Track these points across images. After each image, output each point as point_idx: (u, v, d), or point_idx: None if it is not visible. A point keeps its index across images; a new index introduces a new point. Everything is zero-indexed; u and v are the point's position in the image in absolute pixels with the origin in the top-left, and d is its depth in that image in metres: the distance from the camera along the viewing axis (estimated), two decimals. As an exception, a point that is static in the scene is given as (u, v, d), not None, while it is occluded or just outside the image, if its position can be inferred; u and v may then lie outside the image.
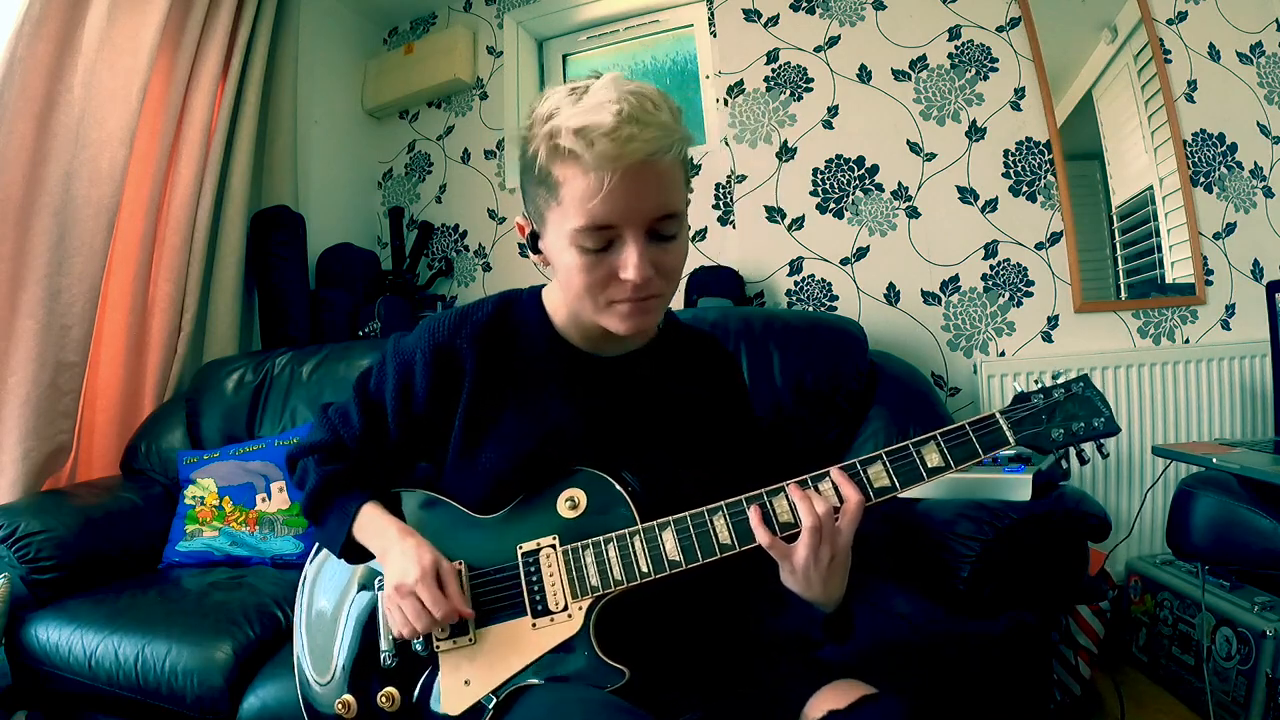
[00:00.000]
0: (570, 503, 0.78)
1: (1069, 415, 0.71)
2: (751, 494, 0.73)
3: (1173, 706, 1.48)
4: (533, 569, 0.77)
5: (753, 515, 0.71)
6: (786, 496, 0.72)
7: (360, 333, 2.15)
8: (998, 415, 0.71)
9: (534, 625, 0.75)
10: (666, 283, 0.72)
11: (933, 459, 0.71)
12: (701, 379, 0.90)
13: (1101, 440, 0.71)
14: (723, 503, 0.73)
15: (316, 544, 0.90)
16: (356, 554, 0.82)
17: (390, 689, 0.78)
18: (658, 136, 0.64)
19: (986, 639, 1.10)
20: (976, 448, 0.71)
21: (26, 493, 1.56)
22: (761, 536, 0.70)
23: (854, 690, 0.71)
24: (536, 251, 0.76)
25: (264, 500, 1.61)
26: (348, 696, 0.80)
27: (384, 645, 0.79)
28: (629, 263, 0.67)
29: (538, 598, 0.76)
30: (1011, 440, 0.71)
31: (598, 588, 0.74)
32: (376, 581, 0.83)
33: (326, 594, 0.86)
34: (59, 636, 1.26)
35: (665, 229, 0.69)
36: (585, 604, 0.75)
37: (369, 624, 0.82)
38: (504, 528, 0.80)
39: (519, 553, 0.78)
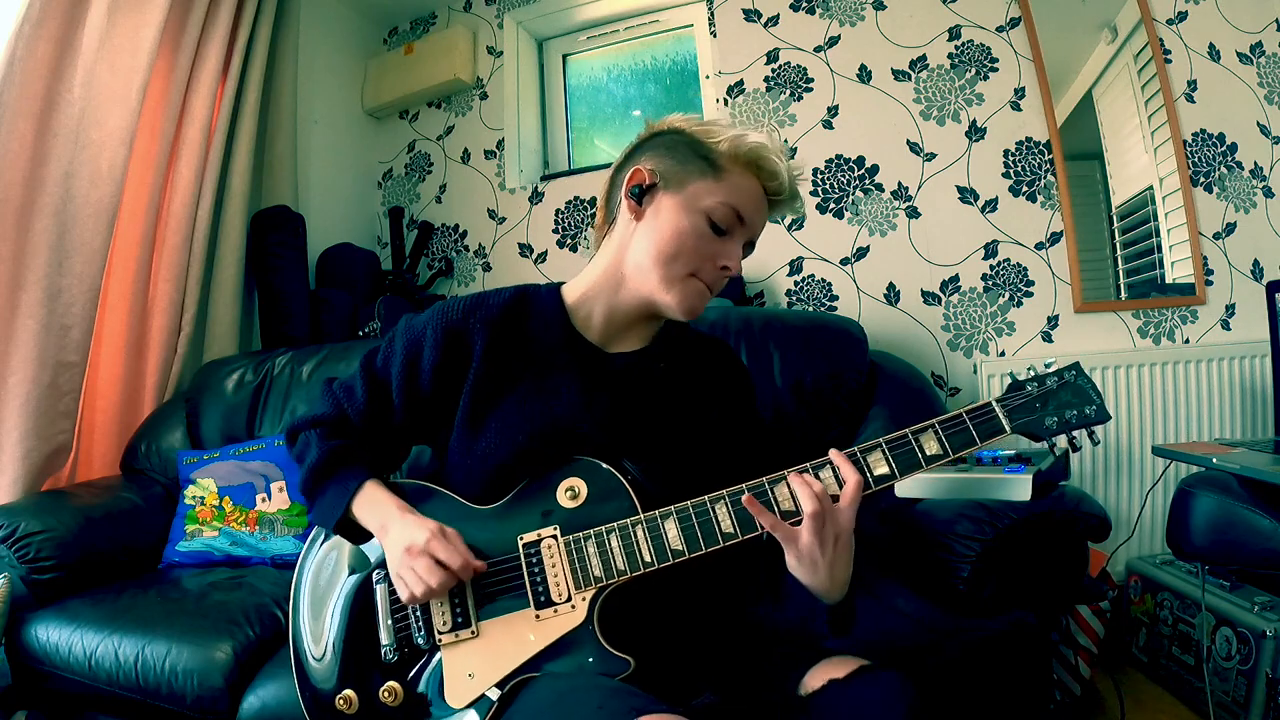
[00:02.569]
0: (570, 492, 0.78)
1: (1062, 403, 0.73)
2: (752, 483, 0.73)
3: (1173, 706, 1.48)
4: (534, 560, 0.77)
5: (748, 502, 0.71)
6: (787, 484, 0.72)
7: (360, 333, 2.15)
8: (994, 403, 0.73)
9: (537, 616, 0.75)
10: (724, 286, 0.85)
11: (931, 447, 0.72)
12: (709, 382, 0.90)
13: (1093, 427, 0.73)
14: (724, 491, 0.74)
15: (309, 536, 0.89)
16: (350, 531, 0.82)
17: (392, 683, 0.78)
18: (793, 209, 0.88)
19: (986, 639, 1.10)
20: (974, 435, 0.72)
21: (26, 493, 1.56)
22: (764, 519, 0.71)
23: (852, 662, 0.72)
24: (639, 202, 0.82)
25: (264, 500, 1.61)
26: (349, 691, 0.79)
27: (385, 640, 0.79)
28: (734, 255, 0.81)
29: (540, 589, 0.76)
30: (1007, 428, 0.72)
31: (601, 578, 0.75)
32: (376, 574, 0.82)
33: (320, 586, 0.86)
34: (59, 636, 1.26)
35: (749, 248, 0.85)
36: (588, 594, 0.75)
37: (361, 617, 0.82)
38: (504, 519, 0.80)
39: (520, 544, 0.78)
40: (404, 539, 0.75)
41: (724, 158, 0.80)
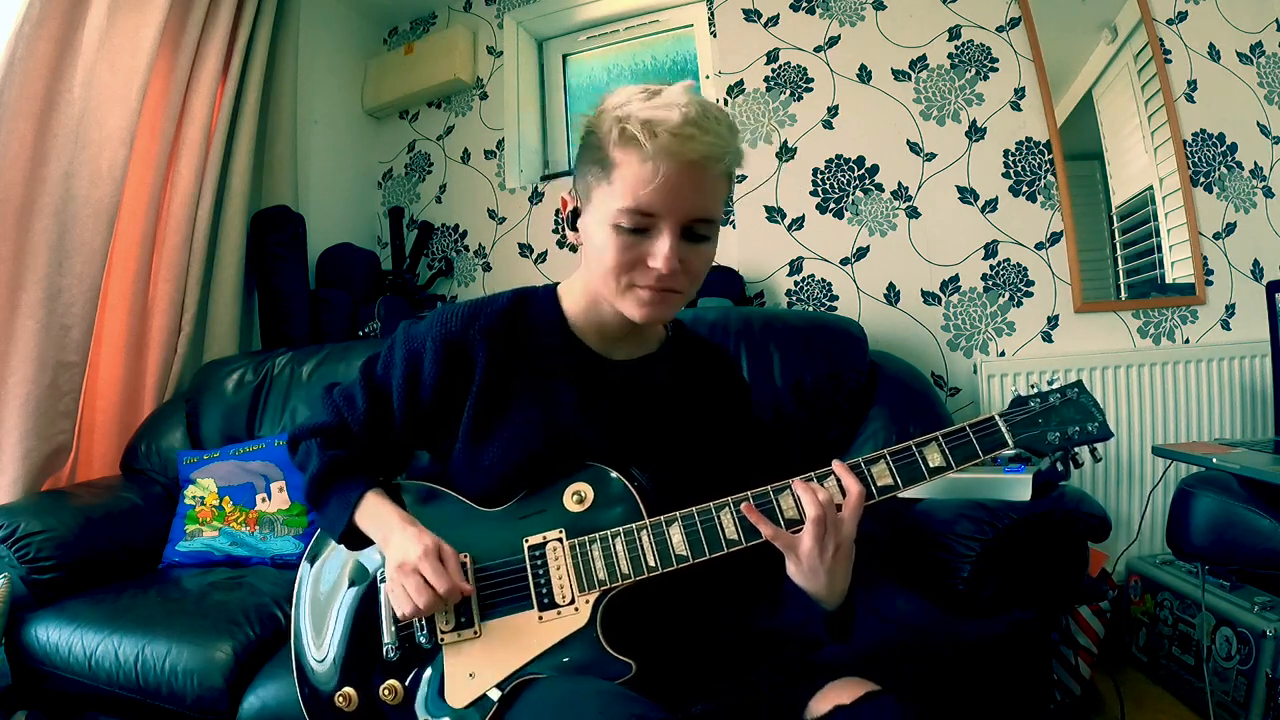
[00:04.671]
0: (577, 497, 0.78)
1: (1064, 420, 0.73)
2: (757, 490, 0.74)
3: (1173, 706, 1.48)
4: (539, 562, 0.77)
5: (748, 511, 0.72)
6: (792, 492, 0.73)
7: (360, 333, 2.15)
8: (997, 418, 0.74)
9: (540, 618, 0.75)
10: (689, 281, 0.76)
11: (934, 459, 0.73)
12: (706, 388, 0.90)
13: (1095, 445, 0.73)
14: (729, 499, 0.74)
15: (312, 539, 0.90)
16: (356, 540, 0.82)
17: (393, 681, 0.78)
18: (713, 143, 0.70)
19: (986, 639, 1.10)
20: (976, 449, 0.73)
21: (26, 493, 1.56)
22: (764, 529, 0.71)
23: (859, 687, 0.71)
24: (573, 228, 0.79)
25: (264, 500, 1.61)
26: (348, 689, 0.79)
27: (387, 638, 0.79)
28: (660, 252, 0.72)
29: (544, 591, 0.76)
30: (1010, 442, 0.73)
31: (604, 581, 0.75)
32: (378, 574, 0.82)
33: (323, 588, 0.86)
34: (59, 636, 1.25)
35: (699, 230, 0.74)
36: (592, 597, 0.75)
37: (365, 616, 0.82)
38: (509, 521, 0.80)
39: (525, 546, 0.78)
40: (399, 553, 0.75)
41: (609, 149, 0.72)
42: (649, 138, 0.68)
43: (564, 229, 0.82)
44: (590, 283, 0.81)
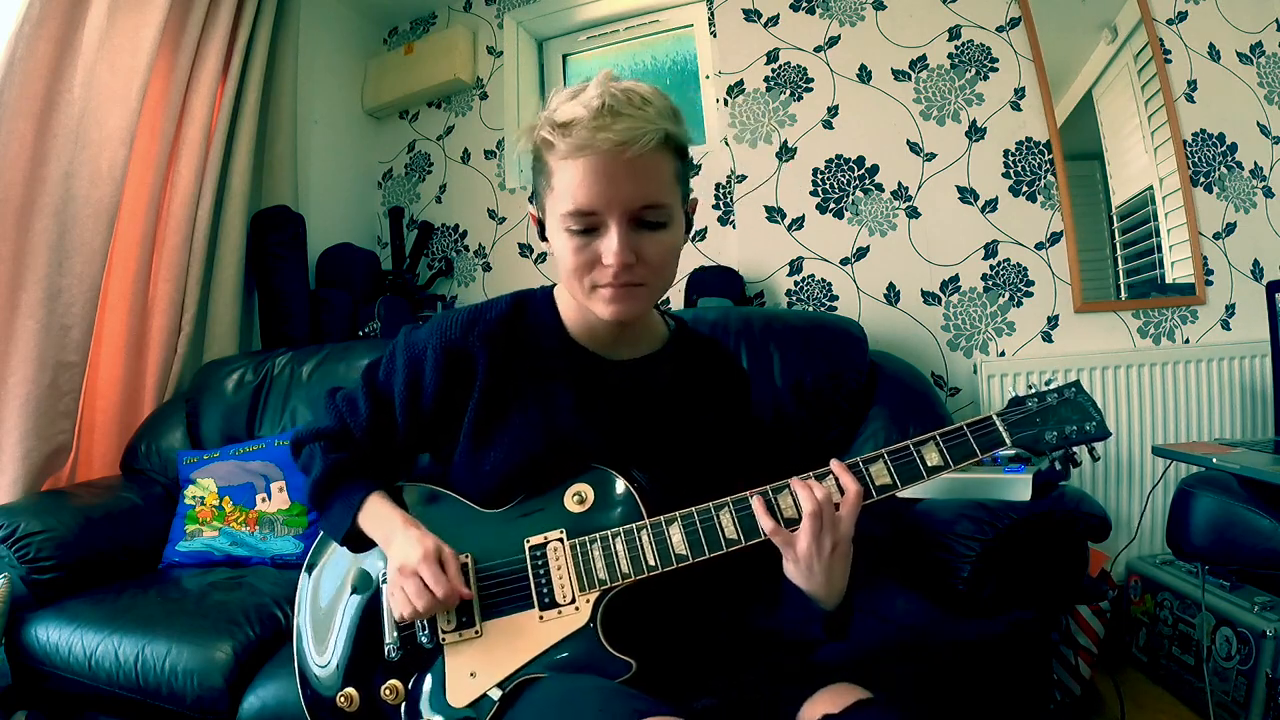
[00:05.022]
0: (578, 498, 0.79)
1: (1062, 419, 0.74)
2: (756, 490, 0.74)
3: (1173, 706, 1.49)
4: (540, 563, 0.77)
5: (756, 505, 0.73)
6: (790, 492, 0.73)
7: (360, 333, 2.15)
8: (994, 417, 0.74)
9: (541, 618, 0.76)
10: (651, 272, 0.74)
11: (932, 458, 0.73)
12: (706, 385, 0.91)
13: (1092, 444, 0.74)
14: (729, 498, 0.75)
15: (313, 546, 0.90)
16: (359, 543, 0.83)
17: (394, 681, 0.78)
18: (629, 128, 0.68)
19: (986, 639, 1.10)
20: (974, 448, 0.73)
21: (26, 493, 1.56)
22: (765, 524, 0.72)
23: (849, 694, 0.71)
24: (544, 239, 0.79)
25: (264, 500, 1.61)
26: (350, 689, 0.79)
27: (388, 638, 0.79)
28: (608, 247, 0.71)
29: (545, 590, 0.76)
30: (1008, 441, 0.73)
31: (605, 581, 0.75)
32: (380, 575, 0.83)
33: (324, 593, 0.86)
34: (59, 636, 1.26)
35: (649, 217, 0.72)
36: (592, 597, 0.75)
37: (367, 618, 0.82)
38: (510, 522, 0.80)
39: (526, 547, 0.78)
40: (400, 556, 0.76)
41: (544, 156, 0.73)
42: (562, 137, 0.69)
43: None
44: (563, 284, 0.81)
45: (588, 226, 0.71)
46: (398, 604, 0.75)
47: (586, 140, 0.68)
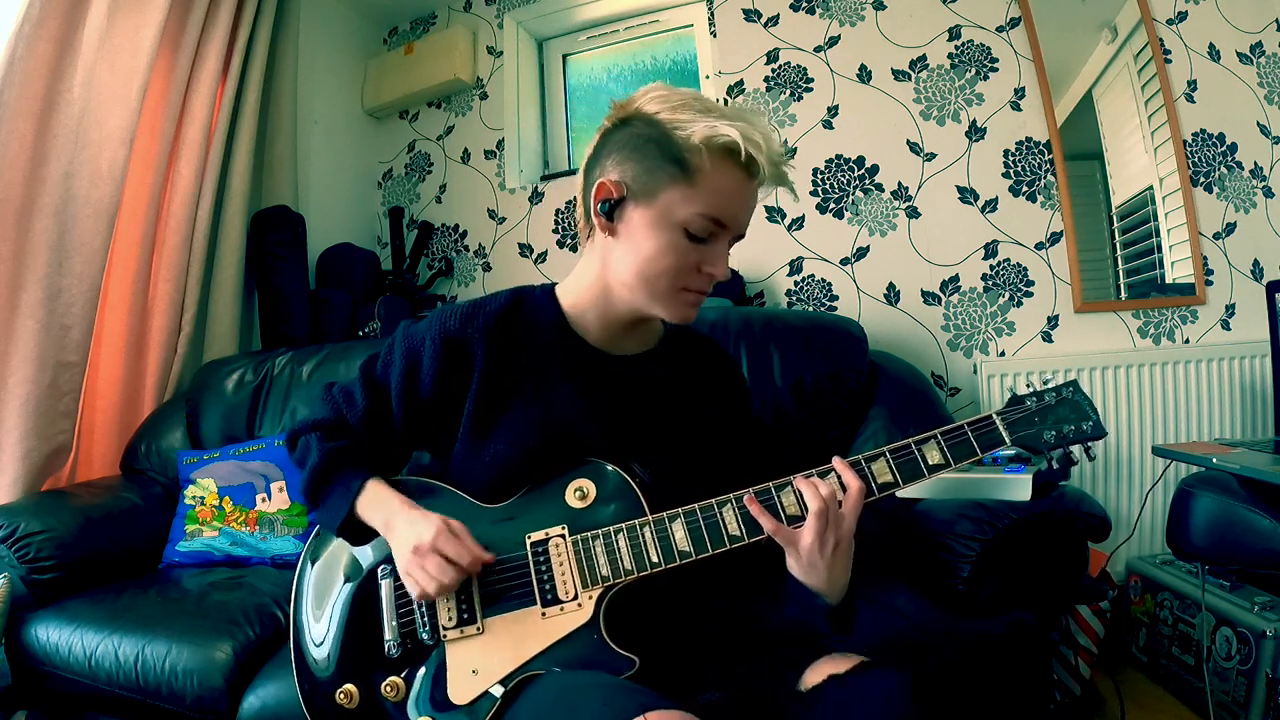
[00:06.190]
0: (579, 493, 0.79)
1: (1059, 419, 0.74)
2: (759, 487, 0.74)
3: (1173, 706, 1.48)
4: (542, 559, 0.77)
5: (751, 505, 0.73)
6: (793, 488, 0.73)
7: (360, 333, 2.15)
8: (994, 416, 0.75)
9: (543, 614, 0.76)
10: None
11: (933, 456, 0.74)
12: (707, 381, 0.91)
13: (1089, 443, 0.74)
14: (731, 495, 0.75)
15: (310, 540, 0.89)
16: (354, 532, 0.82)
17: (395, 679, 0.78)
18: (782, 175, 0.75)
19: (986, 639, 1.10)
20: (975, 446, 0.74)
21: (26, 493, 1.56)
22: (766, 523, 0.72)
23: (852, 659, 0.72)
24: (610, 218, 0.77)
25: (264, 500, 1.61)
26: (350, 686, 0.79)
27: (389, 635, 0.79)
28: (720, 259, 0.76)
29: (547, 587, 0.76)
30: (1007, 440, 0.74)
31: (608, 577, 0.75)
32: (380, 569, 0.82)
33: (324, 586, 0.86)
34: (59, 636, 1.26)
35: (740, 238, 0.79)
36: (595, 593, 0.75)
37: (364, 613, 0.82)
38: (511, 518, 0.80)
39: (528, 542, 0.78)
40: (411, 537, 0.75)
41: (696, 154, 0.71)
42: (755, 156, 0.71)
43: (589, 218, 0.79)
44: (611, 278, 0.79)
45: (708, 235, 0.74)
46: (421, 582, 0.74)
47: (774, 175, 0.73)
